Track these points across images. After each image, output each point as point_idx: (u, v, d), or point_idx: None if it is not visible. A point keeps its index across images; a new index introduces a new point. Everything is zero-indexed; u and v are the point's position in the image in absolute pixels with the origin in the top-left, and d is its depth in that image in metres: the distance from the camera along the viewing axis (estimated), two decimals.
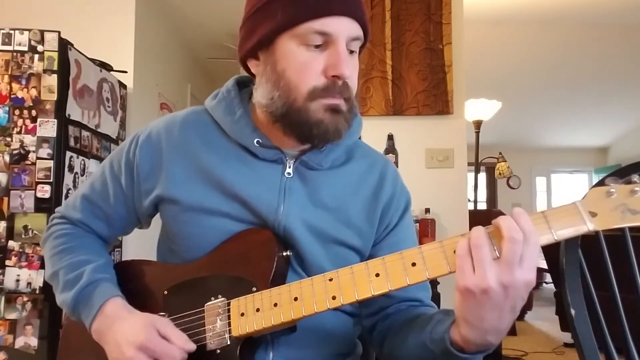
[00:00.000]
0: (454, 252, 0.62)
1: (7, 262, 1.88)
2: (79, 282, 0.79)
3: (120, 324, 0.74)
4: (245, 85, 0.88)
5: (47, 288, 1.86)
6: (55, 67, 1.98)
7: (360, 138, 0.94)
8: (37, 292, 1.87)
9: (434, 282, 2.31)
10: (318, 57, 0.73)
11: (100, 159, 2.31)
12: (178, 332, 0.73)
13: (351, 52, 0.76)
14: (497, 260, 0.58)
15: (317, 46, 0.73)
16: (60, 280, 0.81)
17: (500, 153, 5.84)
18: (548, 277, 6.38)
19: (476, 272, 0.58)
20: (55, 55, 1.98)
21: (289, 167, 0.81)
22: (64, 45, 2.02)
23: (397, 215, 0.88)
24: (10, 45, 1.97)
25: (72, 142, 2.08)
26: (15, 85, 1.95)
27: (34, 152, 1.93)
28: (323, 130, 0.75)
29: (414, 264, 0.64)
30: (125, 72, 2.70)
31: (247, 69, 0.84)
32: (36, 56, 1.97)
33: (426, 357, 0.71)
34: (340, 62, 0.72)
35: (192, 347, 0.73)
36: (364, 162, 0.88)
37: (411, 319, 0.80)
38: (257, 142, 0.80)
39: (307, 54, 0.73)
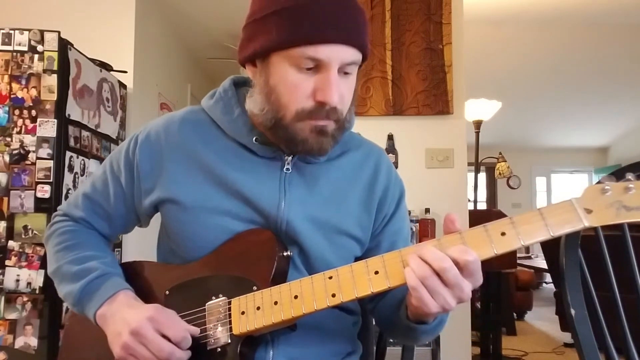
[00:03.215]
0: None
1: (7, 262, 1.87)
2: (90, 274, 0.80)
3: (128, 311, 0.74)
4: (241, 85, 0.89)
5: (47, 288, 1.86)
6: (55, 67, 1.98)
7: (359, 134, 0.95)
8: (37, 292, 1.87)
9: None
10: (308, 80, 0.73)
11: (100, 159, 2.31)
12: (175, 330, 0.72)
13: (346, 73, 0.76)
14: (446, 284, 0.62)
15: (308, 69, 0.73)
16: (66, 273, 0.82)
17: (500, 153, 5.85)
18: (548, 277, 6.39)
19: (436, 300, 0.63)
20: (55, 55, 1.98)
21: (288, 163, 0.82)
22: (64, 45, 2.02)
23: (393, 204, 0.90)
24: (10, 45, 1.97)
25: (72, 142, 2.08)
26: (15, 85, 1.95)
27: (33, 152, 1.93)
28: (308, 148, 0.76)
29: None
30: (125, 72, 2.70)
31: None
32: (36, 56, 1.97)
33: (405, 333, 0.78)
34: (329, 89, 0.72)
35: (186, 343, 0.73)
36: (358, 153, 0.90)
37: (394, 296, 0.84)
38: (256, 139, 0.81)
39: (298, 75, 0.73)
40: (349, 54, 0.74)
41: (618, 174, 0.64)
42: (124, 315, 0.74)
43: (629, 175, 0.61)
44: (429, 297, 0.62)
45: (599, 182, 0.62)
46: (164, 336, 0.71)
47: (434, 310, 0.63)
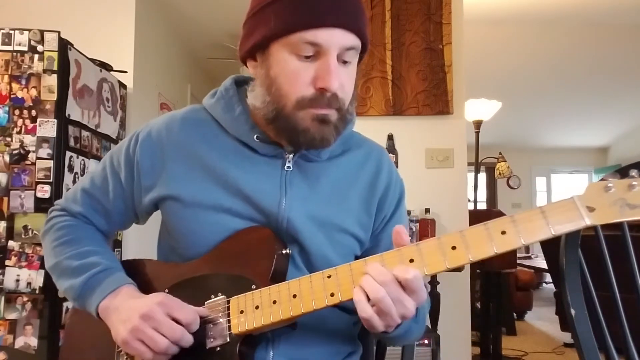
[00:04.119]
0: (452, 248, 0.63)
1: (7, 262, 1.87)
2: (93, 269, 0.80)
3: (134, 301, 0.74)
4: (242, 84, 0.89)
5: (47, 288, 1.86)
6: (55, 67, 1.98)
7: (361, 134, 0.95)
8: (37, 292, 1.87)
9: (433, 283, 2.31)
10: (308, 67, 0.74)
11: (100, 159, 2.30)
12: (186, 312, 0.72)
13: (345, 62, 0.76)
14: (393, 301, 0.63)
15: (308, 56, 0.73)
16: (67, 268, 0.82)
17: (500, 153, 5.84)
18: (548, 277, 6.39)
19: (382, 320, 0.64)
20: (55, 55, 1.98)
21: (289, 162, 0.82)
22: (64, 45, 2.02)
23: (393, 204, 0.90)
24: (10, 45, 1.97)
25: (72, 142, 2.08)
26: (15, 85, 1.95)
27: (33, 152, 1.93)
28: (310, 138, 0.76)
29: (411, 260, 0.65)
30: (125, 72, 2.70)
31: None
32: (36, 56, 1.97)
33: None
34: (328, 75, 0.72)
35: (196, 325, 0.73)
36: (359, 152, 0.90)
37: None
38: (257, 137, 0.81)
39: (298, 63, 0.74)
40: (347, 38, 0.74)
41: (622, 172, 0.63)
42: (130, 305, 0.73)
43: (633, 172, 0.60)
44: (379, 321, 0.64)
45: (602, 180, 0.61)
46: (174, 320, 0.71)
47: (380, 328, 0.65)
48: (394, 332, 0.71)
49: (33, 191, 1.91)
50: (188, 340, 0.72)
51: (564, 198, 0.61)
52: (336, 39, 0.73)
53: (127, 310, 0.73)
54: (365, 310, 0.63)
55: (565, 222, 0.60)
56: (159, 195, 0.82)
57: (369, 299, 0.63)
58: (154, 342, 0.70)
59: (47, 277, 1.85)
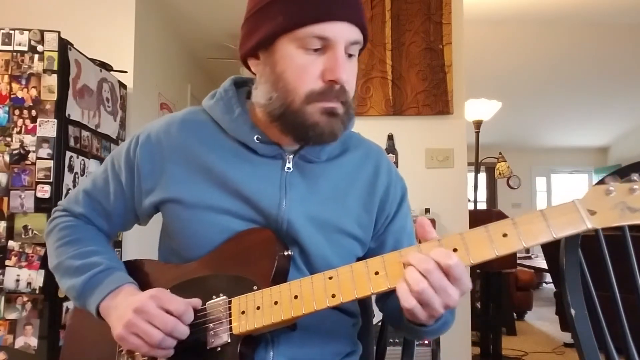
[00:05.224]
0: (453, 250, 0.63)
1: (7, 262, 1.87)
2: (94, 268, 0.80)
3: (131, 298, 0.75)
4: (241, 85, 0.89)
5: (47, 288, 1.86)
6: (55, 67, 1.98)
7: (359, 134, 0.96)
8: (37, 292, 1.86)
9: None
10: (316, 61, 0.74)
11: (100, 159, 2.31)
12: (178, 304, 0.73)
13: (350, 55, 0.77)
14: (436, 290, 0.61)
15: (315, 50, 0.74)
16: (69, 268, 0.82)
17: (500, 153, 5.84)
18: (548, 277, 6.39)
19: (426, 310, 0.62)
20: (55, 55, 1.98)
21: (289, 162, 0.82)
22: (64, 45, 2.02)
23: (395, 204, 0.90)
24: (10, 45, 1.97)
25: (72, 142, 2.08)
26: (15, 85, 1.95)
27: (34, 152, 1.92)
28: (319, 132, 0.76)
29: None
30: (125, 72, 2.70)
31: (248, 67, 0.85)
32: (36, 56, 1.97)
33: (409, 333, 0.79)
34: (337, 67, 0.73)
35: (189, 316, 0.73)
36: (358, 152, 0.90)
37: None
38: (257, 138, 0.81)
39: (306, 57, 0.74)
40: (353, 32, 0.75)
41: (620, 173, 0.63)
42: (128, 303, 0.74)
43: (634, 176, 0.59)
44: (422, 310, 0.62)
45: (602, 182, 0.61)
46: (167, 311, 0.72)
47: (422, 319, 0.63)
48: (434, 324, 0.70)
49: (33, 191, 1.91)
50: (182, 331, 0.72)
51: (565, 201, 0.61)
52: (344, 32, 0.73)
53: (123, 308, 0.74)
54: (407, 300, 0.61)
55: (566, 225, 0.60)
56: (159, 198, 0.83)
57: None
58: (148, 334, 0.70)
59: (47, 277, 1.85)
